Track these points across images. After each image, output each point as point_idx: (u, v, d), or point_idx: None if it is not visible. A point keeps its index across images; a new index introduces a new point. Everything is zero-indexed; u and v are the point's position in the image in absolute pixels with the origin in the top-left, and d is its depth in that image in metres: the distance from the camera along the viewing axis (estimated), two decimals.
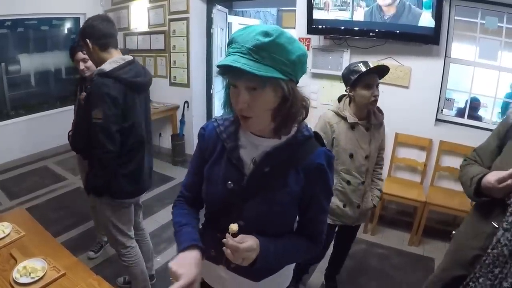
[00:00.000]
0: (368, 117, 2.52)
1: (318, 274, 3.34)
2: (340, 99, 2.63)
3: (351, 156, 2.52)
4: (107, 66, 2.32)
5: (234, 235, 1.23)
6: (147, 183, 2.72)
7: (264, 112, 1.19)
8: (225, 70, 1.13)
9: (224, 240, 1.22)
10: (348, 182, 2.59)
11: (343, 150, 2.52)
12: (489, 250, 1.55)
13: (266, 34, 1.09)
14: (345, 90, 2.54)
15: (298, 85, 1.24)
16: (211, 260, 1.44)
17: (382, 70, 2.42)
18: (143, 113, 2.56)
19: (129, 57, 2.45)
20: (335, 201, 2.62)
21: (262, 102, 1.16)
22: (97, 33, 2.36)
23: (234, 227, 1.23)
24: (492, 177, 1.58)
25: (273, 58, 1.10)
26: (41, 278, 1.83)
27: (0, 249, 2.12)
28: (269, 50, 1.09)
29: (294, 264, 1.61)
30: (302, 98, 1.23)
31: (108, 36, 2.39)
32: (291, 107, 1.19)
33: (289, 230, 1.44)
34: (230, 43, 1.15)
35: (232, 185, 1.32)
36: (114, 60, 2.36)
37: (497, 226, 1.57)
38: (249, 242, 1.23)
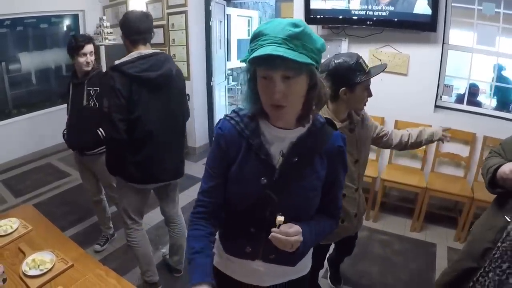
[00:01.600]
0: (350, 116, 2.20)
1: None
2: None
3: None
4: (119, 60, 2.49)
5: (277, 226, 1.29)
6: (160, 175, 2.77)
7: (298, 99, 1.23)
8: (261, 61, 1.13)
9: (273, 231, 1.26)
10: (344, 195, 2.20)
11: None
12: (498, 244, 1.55)
13: (295, 25, 1.14)
14: (332, 88, 2.03)
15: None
16: (246, 258, 1.47)
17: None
18: (157, 108, 2.60)
19: (147, 51, 2.56)
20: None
21: (296, 90, 1.20)
22: (129, 30, 2.55)
23: (281, 218, 1.28)
24: (507, 167, 1.58)
25: (305, 46, 1.14)
26: (50, 270, 1.88)
27: (8, 244, 2.17)
28: (301, 39, 1.13)
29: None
30: (323, 84, 1.28)
31: (137, 33, 2.55)
32: (319, 92, 1.26)
33: (315, 210, 1.49)
34: (257, 36, 1.17)
35: (265, 180, 1.34)
36: (130, 54, 2.53)
37: (508, 220, 1.57)
38: (295, 226, 1.30)
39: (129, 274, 3.30)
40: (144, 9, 6.10)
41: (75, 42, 3.00)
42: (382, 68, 2.11)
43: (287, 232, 1.27)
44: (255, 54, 1.12)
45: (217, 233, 1.54)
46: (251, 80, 1.26)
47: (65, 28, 6.65)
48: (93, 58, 3.09)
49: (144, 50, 2.58)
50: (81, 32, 6.69)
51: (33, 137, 6.10)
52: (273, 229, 1.27)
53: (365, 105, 2.17)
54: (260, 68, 1.18)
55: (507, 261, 1.51)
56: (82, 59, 3.03)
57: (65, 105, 3.32)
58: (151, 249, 3.03)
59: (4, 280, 1.83)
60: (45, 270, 1.87)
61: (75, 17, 6.67)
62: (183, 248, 3.20)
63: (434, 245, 3.71)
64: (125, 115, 2.48)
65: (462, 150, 3.95)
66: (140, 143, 2.61)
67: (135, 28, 2.54)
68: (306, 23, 1.18)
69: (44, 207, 4.38)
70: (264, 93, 1.21)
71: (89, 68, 3.10)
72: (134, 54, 2.53)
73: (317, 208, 1.48)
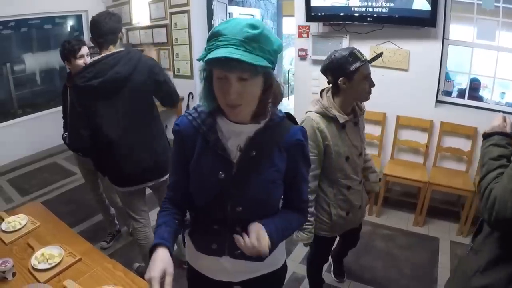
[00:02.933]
0: (354, 110, 2.25)
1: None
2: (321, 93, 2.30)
3: (347, 159, 2.24)
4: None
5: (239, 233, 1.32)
6: (141, 175, 2.73)
7: (253, 99, 1.25)
8: (217, 62, 1.14)
9: (239, 240, 1.30)
10: (349, 188, 2.31)
11: (338, 155, 2.20)
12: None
13: (253, 26, 1.15)
14: (329, 81, 2.20)
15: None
16: (213, 254, 1.50)
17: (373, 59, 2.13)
18: (114, 113, 2.54)
19: (99, 56, 2.51)
20: (337, 212, 2.33)
21: (252, 91, 1.22)
22: (93, 34, 2.55)
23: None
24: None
25: (262, 48, 1.15)
26: (58, 263, 1.93)
27: (17, 240, 2.22)
28: (259, 41, 1.15)
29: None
30: (277, 84, 1.30)
31: (99, 36, 2.53)
32: (275, 91, 1.30)
33: (278, 207, 1.55)
34: (215, 36, 1.17)
35: (223, 175, 1.36)
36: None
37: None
38: (264, 235, 1.31)
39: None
40: (147, 9, 6.15)
41: (71, 46, 2.98)
42: (377, 56, 2.15)
43: (254, 245, 1.28)
44: (211, 55, 1.12)
45: (187, 232, 1.61)
46: (207, 79, 1.28)
47: (69, 29, 6.69)
48: (89, 59, 3.06)
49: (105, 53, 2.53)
50: (85, 32, 6.74)
51: (38, 136, 6.14)
52: (238, 238, 1.31)
53: (369, 94, 2.15)
54: (216, 69, 1.20)
55: None
56: (80, 61, 2.99)
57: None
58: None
59: (14, 274, 1.88)
60: (54, 264, 1.91)
61: (78, 18, 6.72)
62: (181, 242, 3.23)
63: (437, 239, 3.73)
64: (85, 122, 2.53)
65: (464, 145, 3.97)
66: (108, 150, 2.59)
67: (97, 31, 2.52)
68: (261, 24, 1.19)
69: (50, 205, 4.37)
70: (219, 93, 1.24)
71: None
72: (89, 62, 2.55)
73: (284, 203, 1.55)
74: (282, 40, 10.30)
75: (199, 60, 1.20)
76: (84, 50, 3.03)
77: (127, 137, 2.59)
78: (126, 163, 2.63)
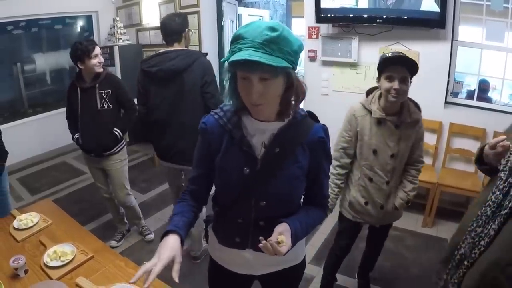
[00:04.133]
0: (400, 113, 2.30)
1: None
2: (370, 91, 2.44)
3: (374, 152, 2.38)
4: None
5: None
6: (172, 156, 3.10)
7: (275, 98, 1.30)
8: (239, 64, 1.19)
9: (264, 244, 1.29)
10: (370, 180, 2.46)
11: (366, 145, 2.39)
12: (479, 212, 1.60)
13: (273, 29, 1.19)
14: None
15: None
16: (236, 247, 1.55)
17: (405, 61, 2.15)
18: (164, 97, 2.96)
19: (166, 49, 2.95)
20: (357, 197, 2.53)
21: (273, 90, 1.26)
22: (161, 33, 3.00)
23: (281, 238, 1.32)
24: (491, 141, 1.62)
25: (281, 50, 1.19)
26: (71, 261, 1.95)
27: (29, 237, 2.24)
28: (278, 43, 1.18)
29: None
30: (300, 83, 1.33)
31: (165, 35, 2.97)
32: (296, 90, 1.32)
33: (300, 203, 1.59)
34: (237, 39, 1.22)
35: (247, 170, 1.41)
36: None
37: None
38: (287, 239, 1.34)
39: None
40: (157, 10, 6.18)
41: (85, 46, 3.02)
42: (396, 54, 2.20)
43: (277, 248, 1.29)
44: (233, 58, 1.18)
45: (211, 226, 1.68)
46: (232, 79, 1.34)
47: (79, 29, 6.75)
48: (102, 59, 3.15)
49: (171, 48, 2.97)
50: (95, 32, 6.79)
51: (48, 136, 6.21)
52: (264, 242, 1.30)
53: (392, 96, 2.18)
54: (239, 70, 1.26)
55: (481, 226, 1.56)
56: (94, 61, 3.06)
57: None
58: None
59: (26, 271, 1.90)
60: (66, 261, 1.93)
61: (88, 18, 6.77)
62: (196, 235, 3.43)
63: (446, 240, 3.71)
64: (144, 101, 3.05)
65: (472, 146, 3.95)
66: (154, 126, 3.09)
67: (164, 31, 2.95)
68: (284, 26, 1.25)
69: (60, 204, 4.36)
70: (243, 92, 1.29)
71: (101, 69, 3.15)
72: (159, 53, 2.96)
73: (306, 199, 1.59)
74: None
75: (223, 62, 1.26)
76: (97, 50, 3.08)
77: (169, 120, 3.00)
78: (162, 141, 3.09)
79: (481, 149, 1.75)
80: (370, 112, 2.34)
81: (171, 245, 1.34)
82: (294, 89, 1.31)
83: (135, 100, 3.19)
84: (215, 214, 1.63)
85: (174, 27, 2.91)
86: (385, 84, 2.20)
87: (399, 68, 2.15)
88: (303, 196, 1.59)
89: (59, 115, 6.10)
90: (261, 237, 1.30)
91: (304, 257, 1.75)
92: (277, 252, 1.29)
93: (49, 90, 6.55)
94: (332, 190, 2.56)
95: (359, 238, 2.90)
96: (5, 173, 3.03)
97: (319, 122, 1.50)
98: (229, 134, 1.43)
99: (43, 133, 6.18)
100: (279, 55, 1.19)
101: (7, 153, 2.95)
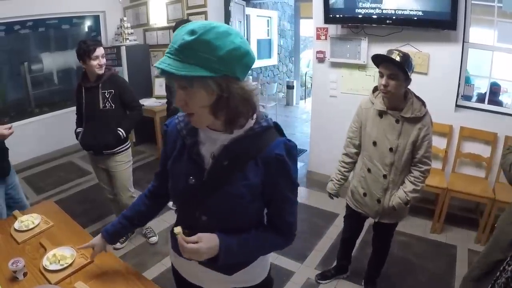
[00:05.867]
0: (402, 108, 2.39)
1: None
2: (377, 88, 2.53)
3: (374, 143, 2.50)
4: None
5: (187, 234, 1.28)
6: None
7: (201, 109, 1.19)
8: (161, 72, 1.12)
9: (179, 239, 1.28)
10: (369, 170, 2.57)
11: (367, 136, 2.54)
12: None
13: (192, 32, 1.08)
14: None
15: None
16: (183, 256, 1.39)
17: (389, 60, 2.28)
18: None
19: None
20: (358, 187, 2.68)
21: (195, 100, 1.17)
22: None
23: (177, 229, 1.28)
24: None
25: (198, 56, 1.08)
26: (70, 265, 1.90)
27: (30, 239, 2.20)
28: (194, 48, 1.08)
29: (270, 254, 1.60)
30: (243, 93, 1.19)
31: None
32: (228, 103, 1.17)
33: (256, 222, 1.43)
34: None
35: (193, 180, 1.34)
36: None
37: None
38: (204, 241, 1.27)
39: (148, 271, 3.35)
40: (164, 10, 6.18)
41: (87, 46, 3.02)
42: (393, 55, 2.29)
43: (186, 239, 1.26)
44: (155, 64, 1.15)
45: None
46: None
47: (86, 29, 6.75)
48: (104, 60, 3.12)
49: None
50: (102, 32, 6.79)
51: (55, 135, 6.20)
52: (179, 238, 1.28)
53: (382, 91, 2.37)
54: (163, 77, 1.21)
55: None
56: (95, 62, 3.06)
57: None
58: None
59: (25, 274, 1.85)
60: (66, 265, 1.88)
61: (96, 18, 6.77)
62: None
63: (455, 247, 3.65)
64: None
65: (483, 150, 3.89)
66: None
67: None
68: (219, 25, 1.12)
69: (64, 204, 4.44)
70: None
71: (102, 71, 3.14)
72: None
73: (267, 221, 1.45)
74: (299, 42, 10.26)
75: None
76: (99, 51, 3.06)
77: None
78: None
79: None
80: (373, 104, 2.51)
81: (98, 238, 1.79)
82: (229, 101, 1.17)
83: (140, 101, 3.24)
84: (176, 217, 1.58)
85: None
86: (379, 80, 2.37)
87: (389, 65, 2.29)
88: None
89: (65, 115, 6.16)
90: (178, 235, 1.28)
91: (268, 276, 1.64)
92: (181, 247, 1.27)
93: (56, 90, 6.56)
94: (335, 176, 2.82)
95: (366, 243, 2.86)
96: (12, 170, 3.07)
97: (283, 136, 1.35)
98: (182, 139, 1.39)
99: (49, 133, 6.18)
100: (194, 62, 1.08)
101: (7, 149, 2.93)
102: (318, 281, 3.18)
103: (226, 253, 1.30)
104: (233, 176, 1.30)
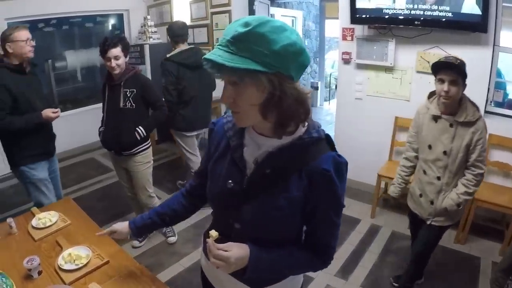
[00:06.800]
0: (456, 113, 2.47)
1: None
2: (432, 94, 2.65)
3: (429, 147, 2.59)
4: (169, 54, 4.08)
5: (218, 241, 1.20)
6: (198, 124, 4.29)
7: (250, 107, 1.11)
8: (207, 65, 1.06)
9: (207, 240, 1.20)
10: (424, 172, 2.67)
11: (423, 139, 2.64)
12: None
13: (246, 24, 1.01)
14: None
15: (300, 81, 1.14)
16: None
17: (452, 66, 2.35)
18: (196, 80, 4.08)
19: (186, 47, 4.13)
20: (415, 188, 2.80)
21: (244, 97, 1.09)
22: (171, 35, 4.13)
23: (213, 233, 1.21)
24: None
25: (251, 49, 1.00)
26: (85, 265, 1.88)
27: (46, 237, 2.20)
28: (247, 40, 1.00)
29: (302, 273, 1.50)
30: (297, 94, 1.09)
31: (177, 36, 4.10)
32: (280, 103, 1.08)
33: (293, 238, 1.34)
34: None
35: (232, 184, 1.27)
36: (175, 50, 4.10)
37: None
38: (233, 251, 1.19)
39: (165, 271, 3.35)
40: (188, 9, 6.18)
41: (102, 46, 3.02)
42: (455, 61, 2.37)
43: (213, 252, 1.18)
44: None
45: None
46: None
47: (110, 27, 6.82)
48: (119, 62, 3.06)
49: (183, 46, 4.11)
50: (126, 31, 6.83)
51: (78, 132, 6.26)
52: (208, 240, 1.20)
53: (443, 98, 2.40)
54: (212, 71, 1.12)
55: None
56: (107, 63, 3.06)
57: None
58: None
59: (40, 273, 1.85)
60: (80, 265, 1.87)
61: (119, 17, 6.83)
62: None
63: (478, 258, 3.52)
64: (175, 86, 3.98)
65: None
66: (188, 103, 4.09)
67: (176, 32, 4.10)
68: (272, 20, 1.05)
69: (85, 200, 4.48)
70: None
71: (116, 72, 3.10)
72: (177, 50, 4.07)
73: (304, 238, 1.35)
74: (324, 43, 10.16)
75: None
76: (112, 53, 3.01)
77: (199, 96, 4.20)
78: (195, 112, 4.18)
79: None
80: (428, 109, 2.59)
81: (122, 224, 1.73)
82: (276, 99, 1.07)
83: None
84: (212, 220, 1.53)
85: (185, 31, 4.20)
86: (438, 87, 2.43)
87: (448, 71, 2.36)
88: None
89: (88, 112, 6.23)
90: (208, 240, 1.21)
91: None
92: (210, 253, 1.19)
93: (79, 87, 6.64)
94: (396, 180, 2.96)
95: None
96: (55, 157, 3.61)
97: (334, 150, 1.23)
98: (227, 141, 1.32)
99: (72, 129, 6.22)
100: (246, 55, 1.00)
101: (55, 136, 3.63)
102: (393, 283, 3.14)
103: (255, 267, 1.22)
104: (274, 186, 1.21)
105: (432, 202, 2.65)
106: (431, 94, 2.64)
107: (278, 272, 1.33)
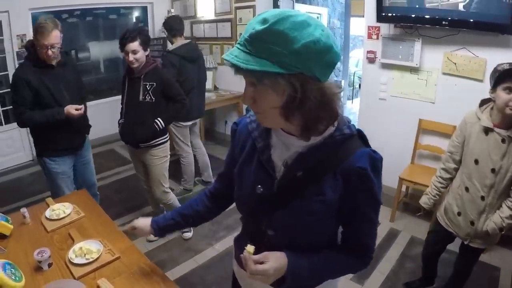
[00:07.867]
0: (510, 127, 2.19)
1: None
2: (484, 102, 2.39)
3: (476, 162, 2.31)
4: (171, 47, 4.34)
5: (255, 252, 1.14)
6: (195, 114, 4.52)
7: (271, 110, 1.04)
8: (230, 64, 0.98)
9: (241, 256, 1.15)
10: (467, 189, 2.39)
11: (469, 152, 2.36)
12: None
13: (263, 21, 0.93)
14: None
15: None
16: (242, 267, 1.29)
17: None
18: (196, 72, 4.36)
19: (186, 41, 4.34)
20: (452, 205, 2.51)
21: (264, 99, 1.02)
22: (169, 28, 4.29)
23: (250, 249, 1.14)
24: None
25: (268, 49, 0.93)
26: (96, 260, 1.85)
27: (59, 228, 2.19)
28: (264, 39, 0.93)
29: (340, 277, 1.44)
30: (321, 96, 1.00)
31: (175, 30, 4.26)
32: (302, 106, 1.00)
33: (328, 241, 1.28)
34: None
35: (261, 189, 1.21)
36: (175, 44, 4.29)
37: None
38: (269, 263, 1.12)
39: (178, 267, 3.33)
40: (212, 3, 6.17)
41: (122, 40, 3.02)
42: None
43: (249, 267, 1.12)
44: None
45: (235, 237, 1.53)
46: None
47: (133, 20, 6.84)
48: (137, 56, 3.04)
49: (181, 41, 4.30)
50: (149, 24, 6.84)
51: (98, 123, 6.19)
52: (245, 253, 1.14)
53: (510, 109, 2.10)
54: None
55: None
56: (126, 57, 3.06)
57: None
58: (193, 168, 4.69)
59: (50, 265, 1.83)
60: (91, 260, 1.84)
61: (143, 9, 6.85)
62: (208, 165, 4.91)
63: (498, 269, 3.38)
64: (176, 78, 3.99)
65: None
66: (187, 94, 3.74)
67: (174, 26, 4.28)
68: (295, 14, 0.95)
69: (103, 191, 4.47)
70: None
71: (135, 66, 3.08)
72: (178, 44, 4.26)
73: (342, 240, 1.30)
74: (349, 41, 10.02)
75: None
76: (130, 47, 3.00)
77: (197, 87, 4.45)
78: (194, 101, 4.33)
79: None
80: (479, 119, 2.30)
81: (145, 220, 1.75)
82: (297, 102, 0.99)
83: None
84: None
85: (182, 25, 4.37)
86: (502, 95, 2.12)
87: None
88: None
89: (110, 103, 6.27)
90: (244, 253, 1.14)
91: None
92: (246, 266, 1.13)
93: (102, 78, 6.69)
94: (430, 191, 2.66)
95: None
96: (88, 144, 3.54)
97: (368, 146, 1.17)
98: (253, 142, 1.25)
99: (93, 120, 6.17)
100: (263, 56, 0.93)
101: (90, 126, 3.52)
102: None
103: (294, 275, 1.16)
104: (307, 189, 1.14)
105: (472, 223, 2.40)
106: (483, 102, 2.38)
107: (318, 279, 1.29)
